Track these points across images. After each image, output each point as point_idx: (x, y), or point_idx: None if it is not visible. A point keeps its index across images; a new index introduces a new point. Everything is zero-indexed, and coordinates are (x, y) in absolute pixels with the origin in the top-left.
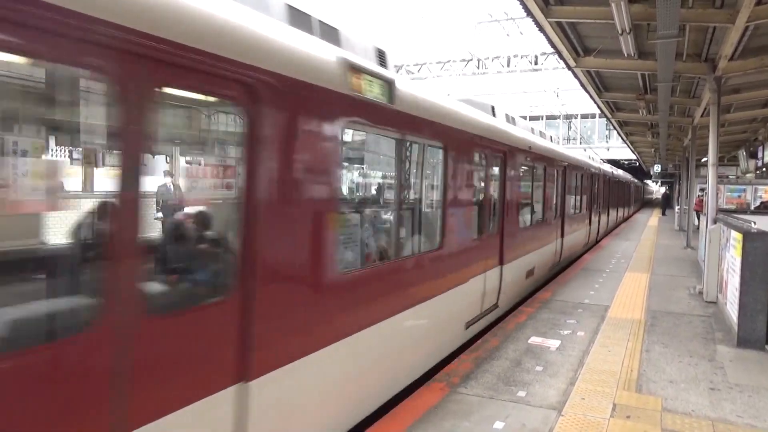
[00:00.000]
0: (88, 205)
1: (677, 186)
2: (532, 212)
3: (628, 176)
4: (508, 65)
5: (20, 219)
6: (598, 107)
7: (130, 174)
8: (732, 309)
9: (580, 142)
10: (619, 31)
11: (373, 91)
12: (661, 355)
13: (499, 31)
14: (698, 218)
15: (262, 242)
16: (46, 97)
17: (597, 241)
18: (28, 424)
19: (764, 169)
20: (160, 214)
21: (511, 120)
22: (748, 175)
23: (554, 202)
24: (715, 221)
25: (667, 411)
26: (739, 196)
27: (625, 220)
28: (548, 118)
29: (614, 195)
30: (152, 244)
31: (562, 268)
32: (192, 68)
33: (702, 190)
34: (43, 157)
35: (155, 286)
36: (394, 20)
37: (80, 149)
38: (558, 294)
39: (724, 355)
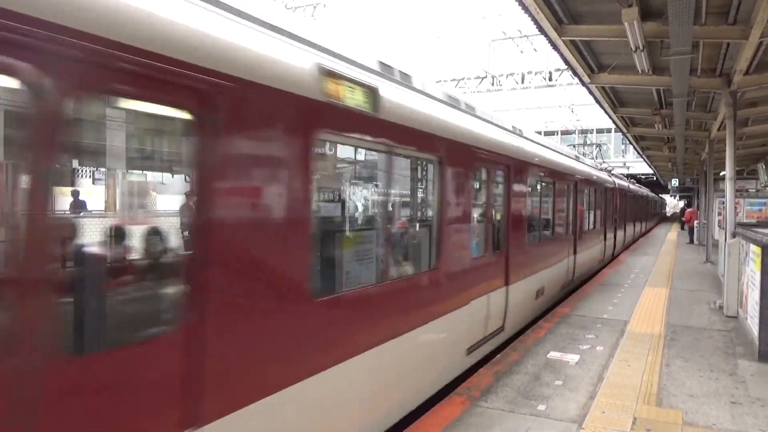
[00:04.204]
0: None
1: (696, 200)
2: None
3: (652, 194)
4: (523, 82)
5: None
6: (614, 122)
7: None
8: (753, 323)
9: (596, 157)
10: (633, 49)
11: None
12: (681, 369)
13: (513, 48)
14: (689, 231)
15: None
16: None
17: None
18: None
19: None
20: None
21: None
22: None
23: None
24: (734, 235)
25: (688, 424)
26: (760, 210)
27: (643, 234)
28: (563, 133)
29: (640, 210)
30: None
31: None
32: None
33: (689, 205)
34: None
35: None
36: (410, 40)
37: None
38: (577, 309)
39: (745, 370)
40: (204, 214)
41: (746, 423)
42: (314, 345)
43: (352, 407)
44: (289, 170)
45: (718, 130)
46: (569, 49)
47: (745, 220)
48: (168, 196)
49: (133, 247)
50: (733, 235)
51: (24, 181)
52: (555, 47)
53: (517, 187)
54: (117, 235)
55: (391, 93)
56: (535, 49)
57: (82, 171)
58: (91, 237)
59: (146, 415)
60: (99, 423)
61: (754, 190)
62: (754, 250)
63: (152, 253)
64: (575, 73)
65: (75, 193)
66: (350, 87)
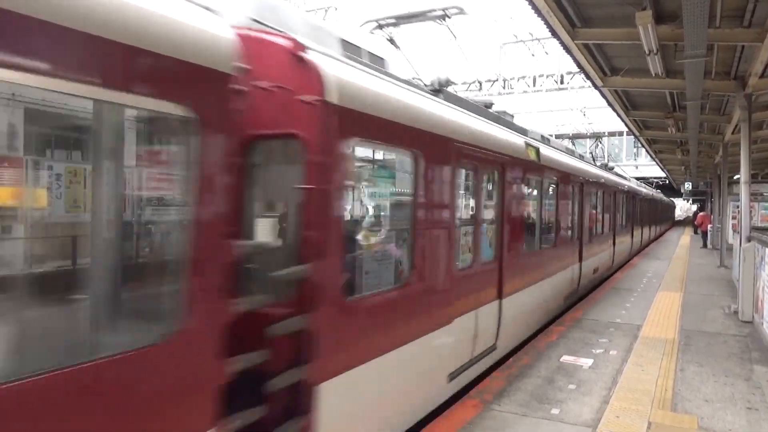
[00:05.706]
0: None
1: (709, 204)
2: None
3: (665, 198)
4: (534, 85)
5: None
6: (626, 125)
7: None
8: None
9: (608, 161)
10: (647, 52)
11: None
12: (696, 374)
13: (524, 51)
14: (702, 235)
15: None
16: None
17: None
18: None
19: None
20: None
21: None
22: None
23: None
24: (749, 239)
25: (704, 430)
26: None
27: (655, 239)
28: (575, 136)
29: (654, 214)
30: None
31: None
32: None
33: (702, 209)
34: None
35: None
36: (423, 43)
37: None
38: (589, 313)
39: (761, 375)
40: None
41: (763, 429)
42: None
43: None
44: None
45: (733, 133)
46: (582, 53)
47: (759, 224)
48: None
49: None
50: (748, 240)
51: None
52: (567, 50)
53: None
54: None
55: None
56: (546, 53)
57: None
58: None
59: None
60: None
61: None
62: None
63: None
64: (588, 77)
65: None
66: None
